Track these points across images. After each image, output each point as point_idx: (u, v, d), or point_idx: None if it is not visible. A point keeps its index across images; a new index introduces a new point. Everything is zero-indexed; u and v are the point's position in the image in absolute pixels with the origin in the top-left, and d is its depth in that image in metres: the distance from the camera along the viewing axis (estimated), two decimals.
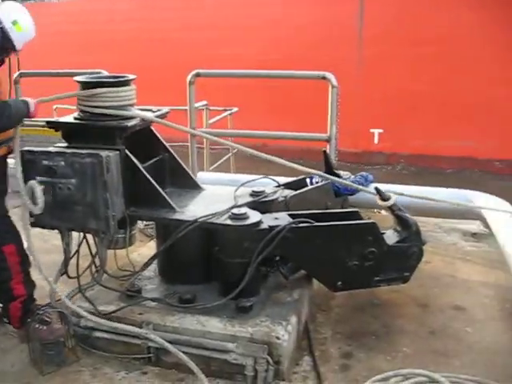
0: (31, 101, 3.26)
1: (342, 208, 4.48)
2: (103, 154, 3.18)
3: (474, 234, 5.12)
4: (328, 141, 5.06)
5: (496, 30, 14.97)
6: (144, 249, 4.21)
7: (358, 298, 3.93)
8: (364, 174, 5.14)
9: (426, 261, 4.51)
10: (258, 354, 2.98)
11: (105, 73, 5.38)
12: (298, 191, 3.91)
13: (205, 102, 6.72)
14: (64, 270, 3.60)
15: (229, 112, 7.53)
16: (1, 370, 3.31)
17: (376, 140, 18.06)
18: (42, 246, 4.14)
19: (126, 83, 3.56)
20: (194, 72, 5.29)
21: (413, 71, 16.18)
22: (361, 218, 3.66)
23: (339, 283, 3.53)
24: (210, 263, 3.51)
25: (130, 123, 3.41)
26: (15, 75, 6.35)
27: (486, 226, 4.93)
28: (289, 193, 3.86)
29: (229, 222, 3.29)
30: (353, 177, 4.83)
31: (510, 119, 14.85)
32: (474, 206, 4.70)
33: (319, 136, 5.19)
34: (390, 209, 3.71)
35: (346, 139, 17.71)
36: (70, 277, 3.61)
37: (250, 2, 17.57)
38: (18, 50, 3.33)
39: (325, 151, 4.60)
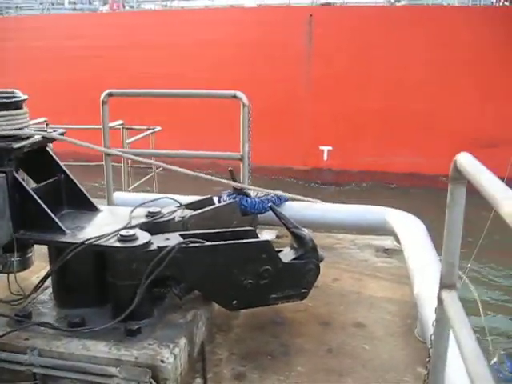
0: None
1: (251, 227, 4.48)
2: None
3: (386, 250, 5.18)
4: (241, 159, 5.08)
5: (437, 50, 15.45)
6: (43, 272, 4.10)
7: (261, 317, 3.91)
8: (279, 193, 5.18)
9: (335, 278, 4.58)
10: (140, 379, 2.92)
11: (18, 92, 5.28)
12: (198, 211, 3.89)
13: (121, 122, 6.67)
14: None
15: (151, 131, 7.49)
16: None
17: (325, 157, 18.36)
18: None
19: (19, 105, 3.51)
20: (106, 92, 5.27)
21: (361, 90, 16.53)
22: (256, 237, 3.66)
23: (234, 302, 3.51)
24: (103, 286, 3.45)
25: (17, 145, 3.34)
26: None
27: (398, 241, 5.03)
28: (188, 213, 3.84)
29: (117, 243, 3.24)
30: (266, 196, 4.85)
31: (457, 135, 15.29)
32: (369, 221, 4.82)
33: (232, 155, 5.20)
34: (285, 226, 3.73)
35: (295, 157, 18.07)
36: None
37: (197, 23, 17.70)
38: None
39: (231, 170, 4.60)
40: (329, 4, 19.58)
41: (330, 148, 18.36)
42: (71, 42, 19.81)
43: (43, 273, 4.03)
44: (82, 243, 3.24)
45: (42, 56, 20.19)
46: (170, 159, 5.70)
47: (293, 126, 17.59)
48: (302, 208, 5.37)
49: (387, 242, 5.34)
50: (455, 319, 2.17)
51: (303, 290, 3.69)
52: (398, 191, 17.33)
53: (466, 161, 2.14)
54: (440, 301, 2.41)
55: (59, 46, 19.98)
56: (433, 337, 2.59)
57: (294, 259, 3.64)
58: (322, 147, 18.42)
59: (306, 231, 3.78)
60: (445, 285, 2.39)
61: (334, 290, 4.38)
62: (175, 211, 3.79)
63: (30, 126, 3.69)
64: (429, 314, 3.31)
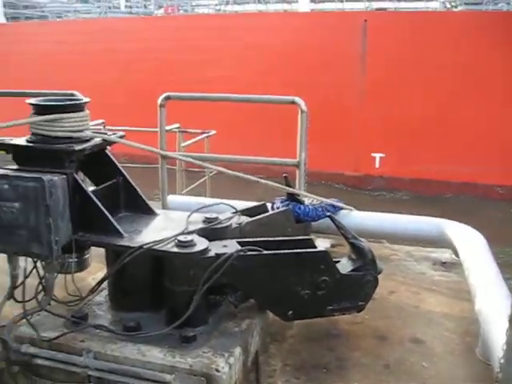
0: None
1: (305, 235, 4.41)
2: (46, 178, 3.11)
3: (443, 263, 5.02)
4: (297, 166, 5.01)
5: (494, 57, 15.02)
6: (100, 273, 4.11)
7: (316, 328, 3.83)
8: (335, 200, 5.09)
9: (391, 290, 4.46)
10: None
11: (78, 94, 5.35)
12: (254, 218, 3.84)
13: (177, 125, 6.69)
14: (11, 295, 3.53)
15: (205, 135, 7.50)
16: None
17: (377, 164, 18.10)
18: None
19: (81, 107, 3.53)
20: (164, 95, 5.29)
21: (415, 96, 16.24)
22: (314, 246, 3.58)
23: (290, 312, 3.44)
24: (159, 291, 3.43)
25: (78, 147, 3.35)
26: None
27: (456, 254, 4.87)
28: (244, 219, 3.79)
29: (175, 249, 3.22)
30: (320, 204, 4.77)
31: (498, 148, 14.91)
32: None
33: (289, 161, 5.14)
34: (344, 236, 3.64)
35: (347, 163, 17.88)
36: (17, 301, 3.53)
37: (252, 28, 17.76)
38: None
39: (286, 176, 4.54)
40: (383, 9, 19.35)
41: (382, 155, 18.08)
42: (128, 44, 20.13)
43: (100, 274, 4.06)
44: (140, 247, 3.23)
45: (99, 59, 20.59)
46: (222, 163, 5.68)
47: (345, 131, 17.42)
48: (356, 217, 5.26)
49: (445, 254, 5.18)
50: None
51: (360, 303, 3.59)
52: (452, 200, 16.96)
53: None
54: None
55: (116, 49, 20.34)
56: (502, 360, 2.47)
57: (352, 270, 3.55)
58: (374, 154, 18.16)
59: (364, 242, 3.68)
60: None
61: (390, 302, 4.27)
62: (232, 217, 3.75)
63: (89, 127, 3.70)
64: (494, 333, 3.18)
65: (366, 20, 17.07)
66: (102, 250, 3.67)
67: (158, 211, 3.92)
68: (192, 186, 6.95)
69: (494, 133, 16.10)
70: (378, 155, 18.06)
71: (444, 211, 9.57)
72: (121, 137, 3.81)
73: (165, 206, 5.53)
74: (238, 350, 3.15)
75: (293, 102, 4.94)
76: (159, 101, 5.30)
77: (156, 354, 3.07)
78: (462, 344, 3.75)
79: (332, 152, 17.10)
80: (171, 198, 5.54)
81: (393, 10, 19.43)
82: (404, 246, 5.46)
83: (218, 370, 2.94)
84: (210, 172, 7.30)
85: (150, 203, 4.05)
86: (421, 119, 16.53)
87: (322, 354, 3.58)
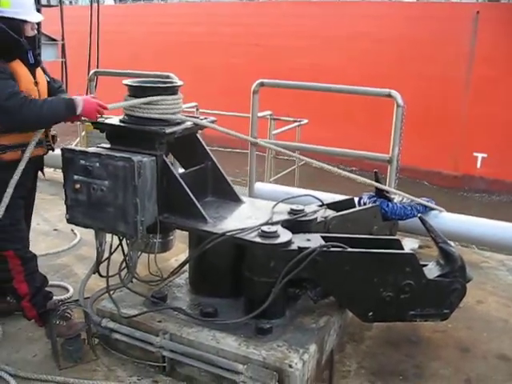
0: (79, 101, 3.26)
1: (391, 234, 4.26)
2: (135, 158, 3.15)
3: None
4: (389, 162, 4.84)
5: None
6: (182, 255, 4.16)
7: (396, 332, 3.70)
8: (426, 199, 4.89)
9: (479, 300, 4.24)
10: (266, 381, 2.84)
11: (173, 77, 5.42)
12: (341, 213, 3.74)
13: (269, 112, 6.64)
14: (96, 269, 3.63)
15: (297, 123, 7.39)
16: (23, 357, 3.37)
17: (479, 164, 17.26)
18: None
19: (175, 91, 3.55)
20: (258, 81, 5.26)
21: None
22: (401, 248, 3.44)
23: (370, 314, 3.33)
24: (238, 279, 3.42)
25: (169, 130, 3.37)
26: (91, 73, 6.57)
27: None
28: (330, 213, 3.70)
29: (257, 239, 3.18)
30: (409, 202, 4.59)
31: None
32: None
33: (380, 156, 4.97)
34: (434, 240, 3.47)
35: (446, 161, 17.17)
36: (101, 275, 3.63)
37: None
38: (32, 22, 3.27)
39: (376, 172, 4.39)
40: (497, 1, 18.21)
41: (485, 155, 17.20)
42: (228, 28, 20.28)
43: (182, 256, 4.11)
44: (223, 234, 3.21)
45: (199, 41, 20.88)
46: (312, 153, 5.60)
47: (446, 128, 16.68)
48: (446, 219, 5.00)
49: None
50: None
51: (445, 311, 3.42)
52: None
53: None
54: None
55: (217, 33, 20.53)
56: None
57: (439, 276, 3.38)
58: (476, 153, 17.30)
59: (454, 247, 3.50)
60: None
61: (477, 313, 4.05)
62: (318, 211, 3.67)
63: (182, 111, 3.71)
64: None
65: (478, 12, 16.20)
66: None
67: (244, 199, 3.90)
68: (280, 175, 6.89)
69: None
70: (480, 155, 17.19)
71: None
72: (212, 122, 3.80)
73: (251, 193, 5.51)
74: (313, 347, 3.09)
75: (389, 96, 4.76)
76: (253, 87, 5.27)
77: (230, 343, 3.06)
78: None
79: (430, 149, 16.47)
80: (258, 186, 5.51)
81: (507, 2, 18.20)
82: (496, 253, 5.18)
83: (290, 366, 2.90)
84: (300, 162, 7.22)
85: (237, 188, 4.04)
86: None
87: (399, 360, 3.45)
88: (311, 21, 18.44)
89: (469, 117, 16.36)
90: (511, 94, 15.61)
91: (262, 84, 5.25)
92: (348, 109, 16.12)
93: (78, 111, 3.24)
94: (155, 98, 3.39)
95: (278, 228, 3.27)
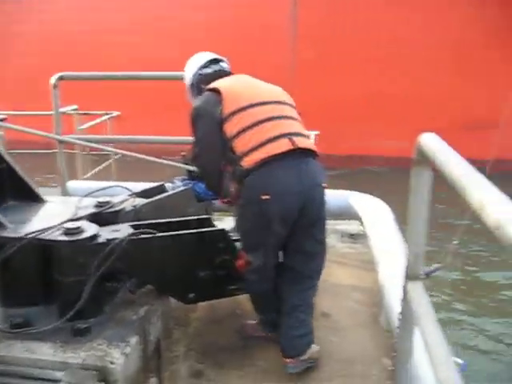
0: None
1: (207, 214, 4.27)
2: None
3: (352, 235, 5.03)
4: None
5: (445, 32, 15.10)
6: None
7: (220, 309, 3.73)
8: None
9: None
10: (87, 382, 2.71)
11: None
12: (150, 199, 3.67)
13: (75, 107, 6.38)
14: None
15: (107, 116, 7.17)
16: None
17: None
18: None
19: None
20: (57, 75, 4.98)
21: (346, 74, 16.14)
22: (212, 226, 3.45)
23: (191, 295, 3.31)
24: (50, 283, 3.21)
25: None
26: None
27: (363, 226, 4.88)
28: (140, 201, 3.62)
29: (61, 237, 3.01)
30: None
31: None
32: None
33: (185, 139, 4.95)
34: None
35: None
36: None
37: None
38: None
39: (183, 155, 4.38)
40: None
41: (317, 133, 17.84)
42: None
43: None
44: (23, 238, 3.00)
45: None
46: (133, 146, 5.47)
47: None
48: None
49: (353, 226, 5.19)
50: (420, 312, 2.01)
51: None
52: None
53: (431, 142, 1.97)
54: (405, 293, 2.25)
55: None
56: (398, 330, 2.44)
57: None
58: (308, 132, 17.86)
59: None
60: (410, 276, 2.23)
61: None
62: (126, 200, 3.57)
63: None
64: (394, 304, 3.17)
65: None
66: None
67: (51, 198, 3.68)
68: (94, 171, 6.64)
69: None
70: (312, 133, 17.85)
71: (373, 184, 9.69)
72: (0, 120, 3.53)
73: (65, 193, 5.25)
74: (134, 339, 2.99)
75: None
76: (52, 81, 4.99)
77: (46, 351, 2.87)
78: (369, 316, 3.76)
79: None
80: (71, 184, 5.27)
81: None
82: None
83: (112, 362, 2.78)
84: (115, 155, 7.02)
85: (51, 190, 3.82)
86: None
87: (226, 336, 3.49)
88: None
89: (301, 97, 16.78)
90: (333, 75, 16.34)
91: (61, 77, 4.99)
92: (168, 97, 15.90)
93: None
94: None
95: (83, 223, 3.12)
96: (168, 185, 4.11)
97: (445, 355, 1.72)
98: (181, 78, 4.73)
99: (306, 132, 3.22)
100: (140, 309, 3.26)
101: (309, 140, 3.18)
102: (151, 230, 3.16)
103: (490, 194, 1.38)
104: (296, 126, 3.17)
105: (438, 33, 14.93)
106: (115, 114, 7.16)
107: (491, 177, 1.61)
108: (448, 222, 9.30)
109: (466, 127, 14.59)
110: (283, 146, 2.98)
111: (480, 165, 1.93)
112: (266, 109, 3.12)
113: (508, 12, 14.17)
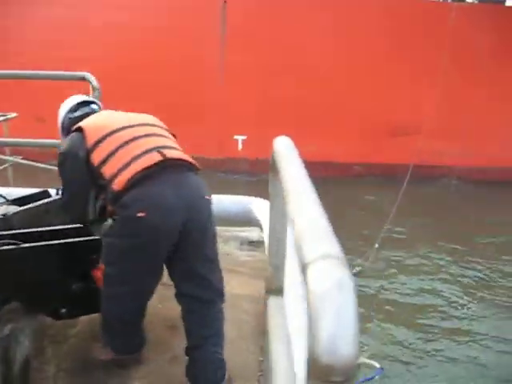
0: None
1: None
2: None
3: (251, 242, 4.90)
4: None
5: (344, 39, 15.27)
6: None
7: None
8: None
9: None
10: None
11: None
12: (25, 207, 3.42)
13: None
14: None
15: (3, 118, 6.73)
16: None
17: (240, 147, 17.68)
18: None
19: None
20: None
21: (275, 78, 16.05)
22: (89, 235, 3.23)
23: (63, 310, 3.09)
24: None
25: None
26: None
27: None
28: (13, 209, 3.36)
29: None
30: None
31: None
32: None
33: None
34: None
35: (211, 146, 17.29)
36: None
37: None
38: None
39: None
40: None
41: (244, 137, 17.70)
42: None
43: None
44: None
45: None
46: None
47: (209, 114, 16.70)
48: None
49: (254, 233, 5.05)
50: (274, 328, 1.88)
51: None
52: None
53: (282, 146, 1.84)
54: (266, 307, 2.11)
55: None
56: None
57: None
58: (236, 136, 17.69)
59: None
60: (270, 290, 2.10)
61: None
62: None
63: None
64: None
65: (225, 1, 16.36)
66: None
67: None
68: None
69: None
70: (240, 137, 17.67)
71: None
72: None
73: None
74: None
75: (83, 79, 4.51)
76: None
77: None
78: (257, 327, 3.62)
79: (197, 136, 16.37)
80: None
81: None
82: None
83: None
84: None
85: None
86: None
87: (101, 351, 3.26)
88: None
89: (227, 101, 16.58)
90: (260, 77, 16.24)
91: None
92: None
93: None
94: None
95: None
96: (53, 190, 3.85)
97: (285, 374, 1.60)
98: (80, 78, 4.53)
99: (179, 147, 3.06)
100: (4, 327, 3.00)
101: (185, 154, 3.01)
102: (17, 242, 2.91)
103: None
104: (168, 142, 3.02)
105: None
106: (12, 115, 6.73)
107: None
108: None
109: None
110: (152, 158, 2.80)
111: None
112: (131, 130, 2.96)
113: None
